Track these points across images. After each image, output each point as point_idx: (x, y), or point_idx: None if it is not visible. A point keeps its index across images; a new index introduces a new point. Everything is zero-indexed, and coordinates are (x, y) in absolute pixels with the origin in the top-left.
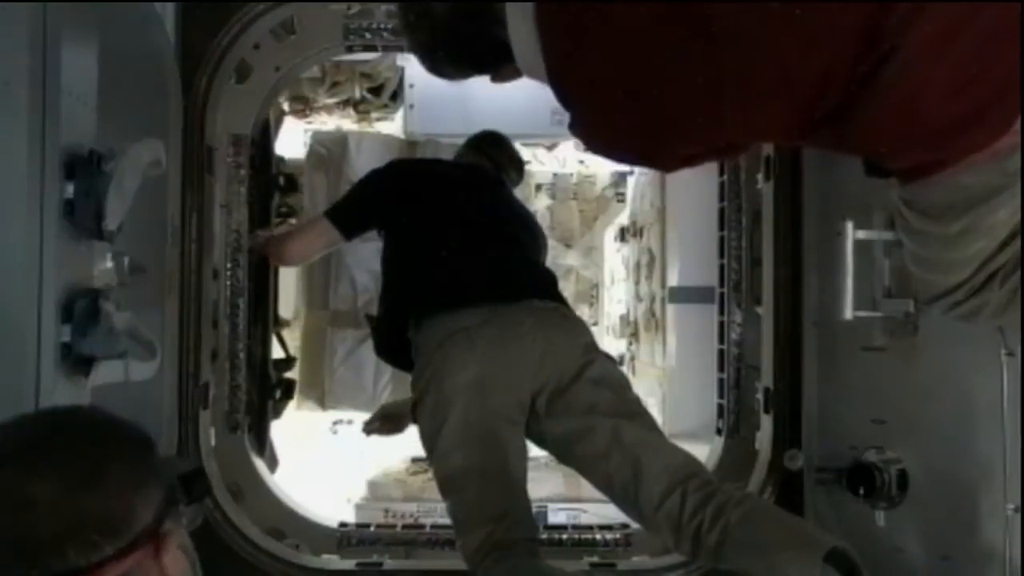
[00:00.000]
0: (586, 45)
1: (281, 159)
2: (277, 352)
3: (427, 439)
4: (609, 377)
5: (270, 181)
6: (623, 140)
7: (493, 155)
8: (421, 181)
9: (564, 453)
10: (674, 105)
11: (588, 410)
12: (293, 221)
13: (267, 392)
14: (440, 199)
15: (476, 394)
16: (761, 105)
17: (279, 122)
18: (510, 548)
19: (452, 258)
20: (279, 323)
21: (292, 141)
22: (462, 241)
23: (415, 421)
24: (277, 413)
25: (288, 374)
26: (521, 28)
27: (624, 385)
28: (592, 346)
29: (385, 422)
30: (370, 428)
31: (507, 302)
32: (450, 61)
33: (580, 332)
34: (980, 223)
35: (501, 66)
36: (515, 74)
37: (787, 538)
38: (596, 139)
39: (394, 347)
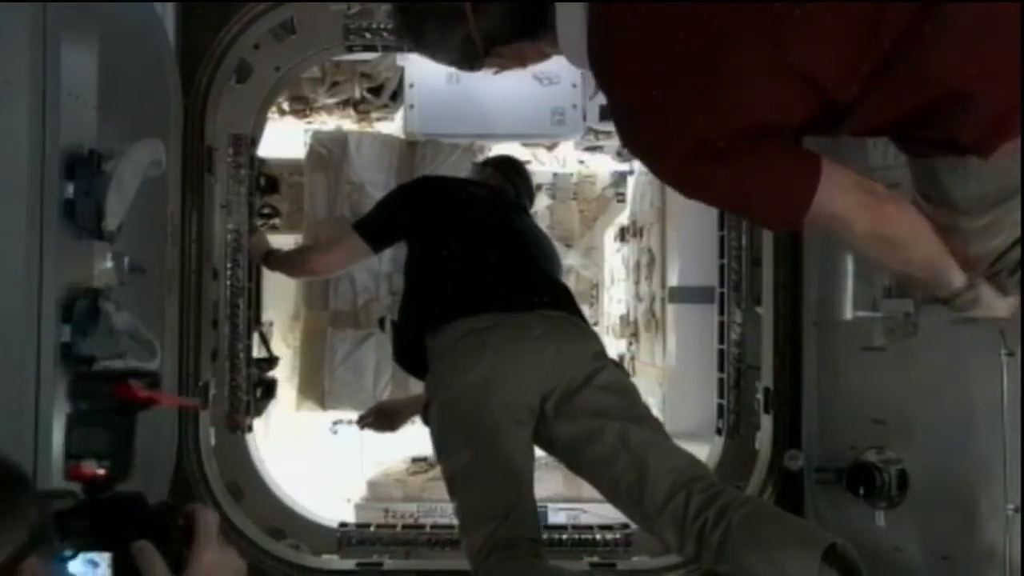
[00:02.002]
0: (640, 16)
1: (262, 160)
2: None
3: (437, 438)
4: (618, 383)
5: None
6: (667, 121)
7: (516, 183)
8: (449, 199)
9: (572, 457)
10: (736, 60)
11: (596, 414)
12: (276, 222)
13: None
14: (466, 217)
15: (485, 392)
16: (824, 42)
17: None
18: (513, 547)
19: (472, 270)
20: (260, 322)
21: (292, 141)
22: (482, 256)
23: (426, 422)
24: (258, 412)
25: (270, 373)
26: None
27: (632, 392)
28: (602, 354)
29: (380, 418)
30: (364, 422)
31: (521, 310)
32: (506, 15)
33: (591, 340)
34: (1006, 218)
35: (523, 40)
36: (520, 60)
37: (787, 535)
38: (636, 123)
39: (411, 354)
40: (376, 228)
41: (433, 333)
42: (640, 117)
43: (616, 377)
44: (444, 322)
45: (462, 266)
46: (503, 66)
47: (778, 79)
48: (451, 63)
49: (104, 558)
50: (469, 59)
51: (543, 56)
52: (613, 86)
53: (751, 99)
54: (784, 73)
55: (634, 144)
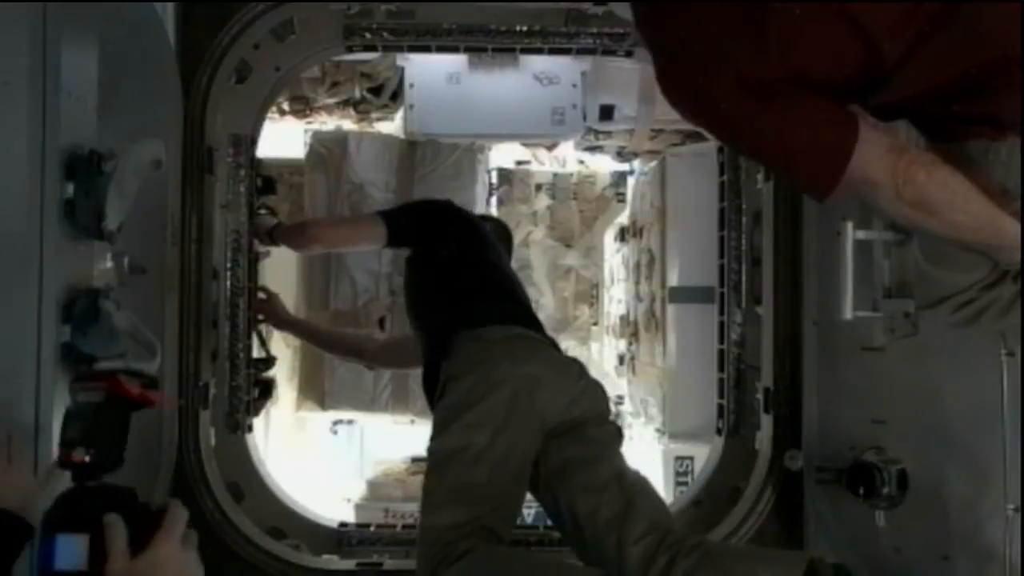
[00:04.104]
0: None
1: (259, 161)
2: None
3: (450, 410)
4: (620, 441)
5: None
6: (714, 55)
7: (502, 236)
8: (473, 222)
9: (558, 479)
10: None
11: (600, 443)
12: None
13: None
14: (487, 242)
15: (530, 388)
16: None
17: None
18: (488, 540)
19: (518, 294)
20: (259, 322)
21: (292, 141)
22: (517, 287)
23: (441, 395)
24: (255, 412)
25: (268, 373)
26: None
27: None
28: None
29: (265, 304)
30: (260, 293)
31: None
32: None
33: (606, 395)
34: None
35: None
36: None
37: (772, 552)
38: (682, 59)
39: (440, 343)
40: (402, 223)
41: (475, 327)
42: (686, 52)
43: (621, 437)
44: (494, 323)
45: (510, 286)
46: None
47: (826, 21)
48: None
49: (83, 539)
50: None
51: None
52: (663, 16)
53: (798, 39)
54: (833, 16)
55: (676, 84)
